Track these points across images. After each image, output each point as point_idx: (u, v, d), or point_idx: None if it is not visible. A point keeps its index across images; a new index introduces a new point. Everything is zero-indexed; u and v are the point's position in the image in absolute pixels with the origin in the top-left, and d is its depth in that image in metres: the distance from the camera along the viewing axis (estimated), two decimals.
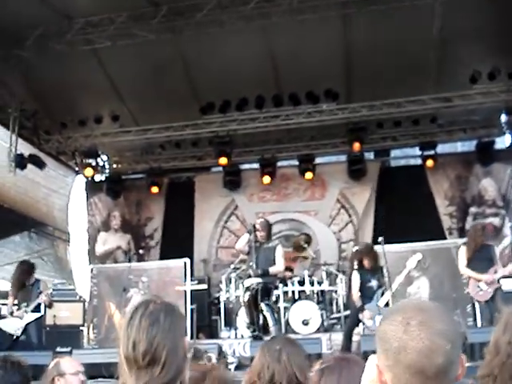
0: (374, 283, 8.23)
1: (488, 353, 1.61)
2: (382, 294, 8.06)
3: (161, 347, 1.77)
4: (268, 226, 8.47)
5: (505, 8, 9.74)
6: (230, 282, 11.07)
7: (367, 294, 8.24)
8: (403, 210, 12.69)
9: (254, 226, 8.32)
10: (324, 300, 10.70)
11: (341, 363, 2.09)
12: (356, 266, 8.56)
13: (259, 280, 8.21)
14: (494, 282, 7.99)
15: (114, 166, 14.70)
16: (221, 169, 13.99)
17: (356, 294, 8.37)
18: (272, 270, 8.46)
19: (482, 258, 8.17)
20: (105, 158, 14.38)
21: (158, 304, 1.88)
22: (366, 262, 8.35)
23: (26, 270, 8.52)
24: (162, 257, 13.23)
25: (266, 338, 8.67)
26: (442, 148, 13.48)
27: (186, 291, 10.51)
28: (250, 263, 8.21)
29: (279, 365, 2.68)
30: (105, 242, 14.31)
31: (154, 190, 14.14)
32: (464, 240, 8.92)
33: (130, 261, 11.48)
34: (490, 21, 10.11)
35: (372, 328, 7.79)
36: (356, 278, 8.41)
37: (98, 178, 14.71)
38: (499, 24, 10.14)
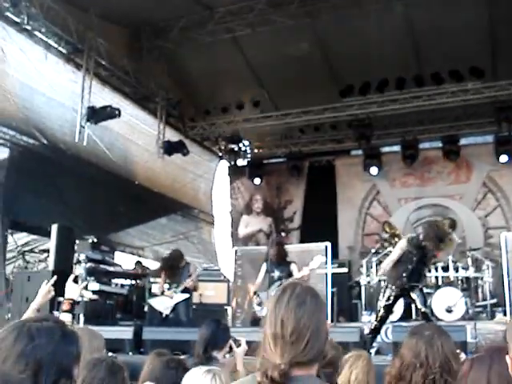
0: (276, 273, 8.10)
1: None
2: (280, 285, 7.83)
3: (306, 327, 1.87)
4: None
5: None
6: (371, 267, 10.98)
7: (268, 283, 8.17)
8: None
9: None
10: (469, 287, 10.30)
11: (492, 354, 2.02)
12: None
13: None
14: None
15: (256, 150, 15.04)
16: (361, 152, 13.82)
17: (259, 282, 8.33)
18: None
19: None
20: (246, 143, 14.74)
21: (304, 287, 1.99)
22: (271, 254, 8.26)
23: (177, 255, 9.02)
24: (303, 240, 13.35)
25: (409, 324, 8.55)
26: None
27: (326, 274, 10.57)
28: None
29: (432, 349, 2.68)
30: (247, 224, 14.68)
31: (294, 173, 14.30)
32: None
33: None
34: None
35: (259, 313, 7.95)
36: (264, 267, 8.34)
37: (241, 162, 15.13)
38: None
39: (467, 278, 10.34)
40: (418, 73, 11.41)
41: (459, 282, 10.23)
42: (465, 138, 13.41)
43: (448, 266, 10.27)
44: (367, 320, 10.25)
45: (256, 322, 8.16)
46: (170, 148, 12.30)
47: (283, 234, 13.83)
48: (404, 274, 7.44)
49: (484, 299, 10.39)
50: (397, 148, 13.75)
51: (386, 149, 14.06)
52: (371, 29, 10.55)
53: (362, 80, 11.59)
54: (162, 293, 8.75)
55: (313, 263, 8.18)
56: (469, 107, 12.10)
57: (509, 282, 9.18)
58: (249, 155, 15.06)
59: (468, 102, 11.53)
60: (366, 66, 11.20)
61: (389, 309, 7.57)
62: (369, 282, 10.98)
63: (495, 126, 12.24)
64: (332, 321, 9.14)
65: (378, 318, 7.52)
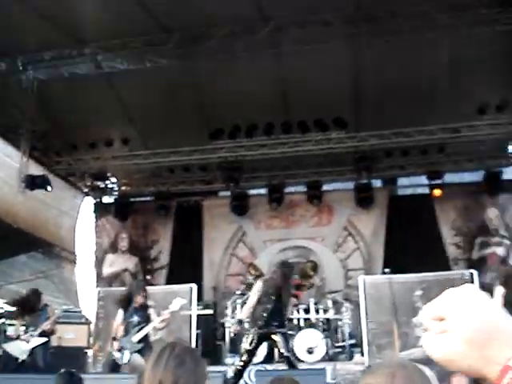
0: (135, 319, 8.08)
1: None
2: (140, 329, 7.98)
3: None
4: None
5: None
6: (236, 309, 11.06)
7: (127, 329, 8.12)
8: (410, 239, 12.68)
9: None
10: (329, 328, 10.67)
11: None
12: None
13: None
14: None
15: (123, 188, 14.78)
16: (228, 193, 14.04)
17: (117, 327, 8.24)
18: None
19: None
20: (114, 180, 14.45)
21: (184, 347, 1.96)
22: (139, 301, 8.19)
23: (35, 296, 8.62)
24: (169, 280, 13.22)
25: (272, 367, 8.70)
26: (449, 178, 13.49)
27: (191, 316, 10.52)
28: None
29: None
30: (112, 263, 14.28)
31: (162, 212, 14.19)
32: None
33: None
34: (499, 54, 10.22)
35: (119, 360, 7.84)
36: (120, 313, 8.30)
37: (107, 200, 14.79)
38: (507, 57, 10.26)
39: (328, 320, 10.72)
40: (287, 119, 11.84)
41: (320, 323, 10.56)
42: (327, 184, 14.06)
43: (309, 308, 10.60)
44: (231, 362, 10.28)
45: (116, 368, 7.91)
46: (32, 182, 11.77)
47: (148, 277, 13.60)
48: (264, 315, 7.60)
49: (343, 340, 10.79)
50: (263, 191, 14.12)
51: (253, 191, 14.37)
52: (243, 74, 10.86)
53: (232, 124, 11.83)
54: (18, 337, 8.30)
55: (172, 306, 8.10)
56: (332, 155, 12.70)
57: (366, 323, 9.63)
58: (116, 193, 14.78)
59: (331, 150, 12.10)
60: (236, 110, 11.44)
61: (252, 352, 7.67)
62: (233, 324, 11.02)
63: (355, 173, 12.92)
64: None
65: (241, 362, 7.59)
